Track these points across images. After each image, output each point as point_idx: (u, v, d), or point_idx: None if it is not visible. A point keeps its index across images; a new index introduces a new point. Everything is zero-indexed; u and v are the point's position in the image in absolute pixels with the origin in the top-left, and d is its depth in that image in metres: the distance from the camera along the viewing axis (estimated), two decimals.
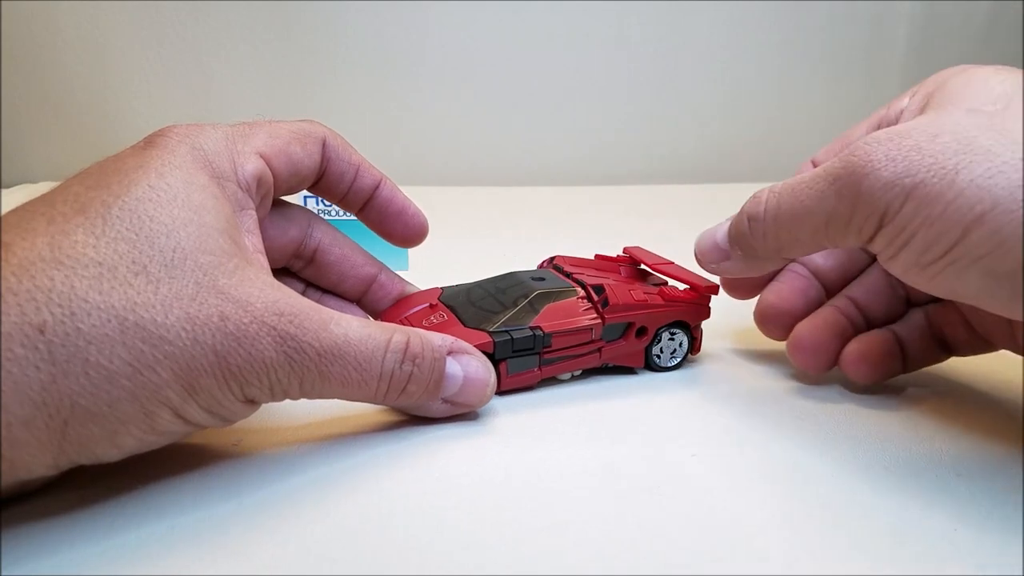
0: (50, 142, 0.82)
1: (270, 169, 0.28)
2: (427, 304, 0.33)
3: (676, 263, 0.36)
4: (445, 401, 0.28)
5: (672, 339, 0.34)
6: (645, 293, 0.33)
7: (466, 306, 0.32)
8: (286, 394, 0.24)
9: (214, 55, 0.80)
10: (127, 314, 0.21)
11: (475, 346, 0.29)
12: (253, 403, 0.24)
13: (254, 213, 0.27)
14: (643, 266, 0.37)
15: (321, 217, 0.33)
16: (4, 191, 0.74)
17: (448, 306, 0.33)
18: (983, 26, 0.92)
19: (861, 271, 0.34)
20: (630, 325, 0.33)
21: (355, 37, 0.81)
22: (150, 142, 0.25)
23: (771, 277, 0.35)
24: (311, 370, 0.24)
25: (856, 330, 0.32)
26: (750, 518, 0.23)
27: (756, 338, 0.35)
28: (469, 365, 0.28)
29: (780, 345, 0.34)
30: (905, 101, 0.30)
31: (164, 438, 0.23)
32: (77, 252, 0.21)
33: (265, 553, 0.21)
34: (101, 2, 0.77)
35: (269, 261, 0.27)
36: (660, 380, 0.34)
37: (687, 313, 0.34)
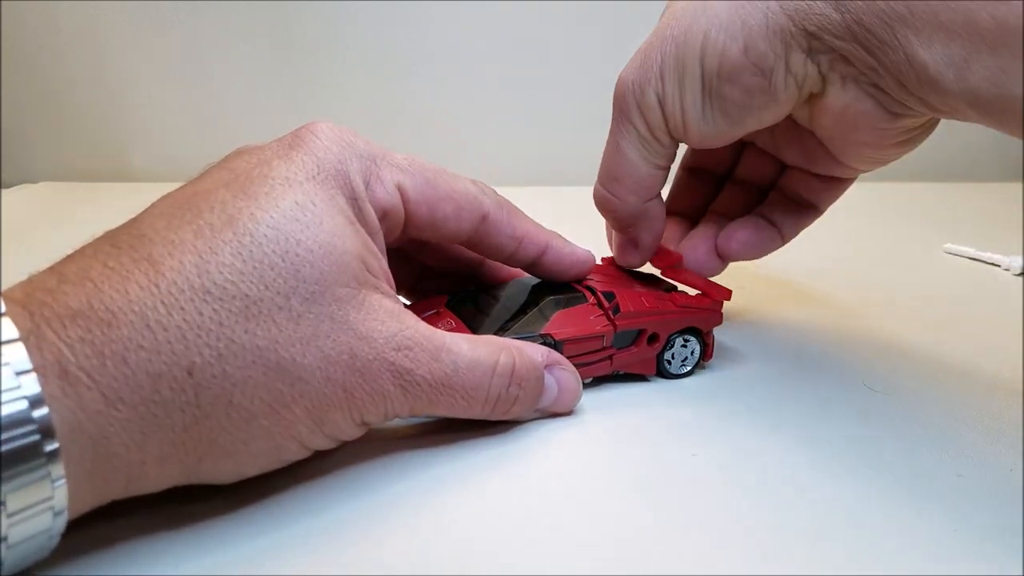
0: (50, 142, 0.83)
1: (405, 208, 0.27)
2: (434, 311, 0.32)
3: (685, 263, 0.36)
4: (536, 410, 0.29)
5: (685, 346, 0.34)
6: (656, 299, 0.33)
7: (475, 313, 0.32)
8: (397, 416, 0.25)
9: (214, 55, 0.81)
10: (270, 355, 0.21)
11: None
12: (366, 425, 0.24)
13: (382, 237, 0.26)
14: (654, 271, 0.36)
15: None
16: (4, 191, 0.75)
17: (456, 313, 0.32)
18: None
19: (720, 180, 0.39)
20: (641, 332, 0.32)
21: (355, 37, 0.81)
22: (296, 143, 0.25)
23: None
24: (422, 399, 0.25)
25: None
26: (749, 518, 0.23)
27: (759, 335, 0.36)
28: (562, 377, 0.29)
29: (784, 344, 0.36)
30: None
31: (283, 464, 0.23)
32: (225, 281, 0.20)
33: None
34: (101, 2, 0.78)
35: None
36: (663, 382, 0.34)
37: (699, 319, 0.33)
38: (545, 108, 0.86)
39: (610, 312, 0.32)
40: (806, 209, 0.36)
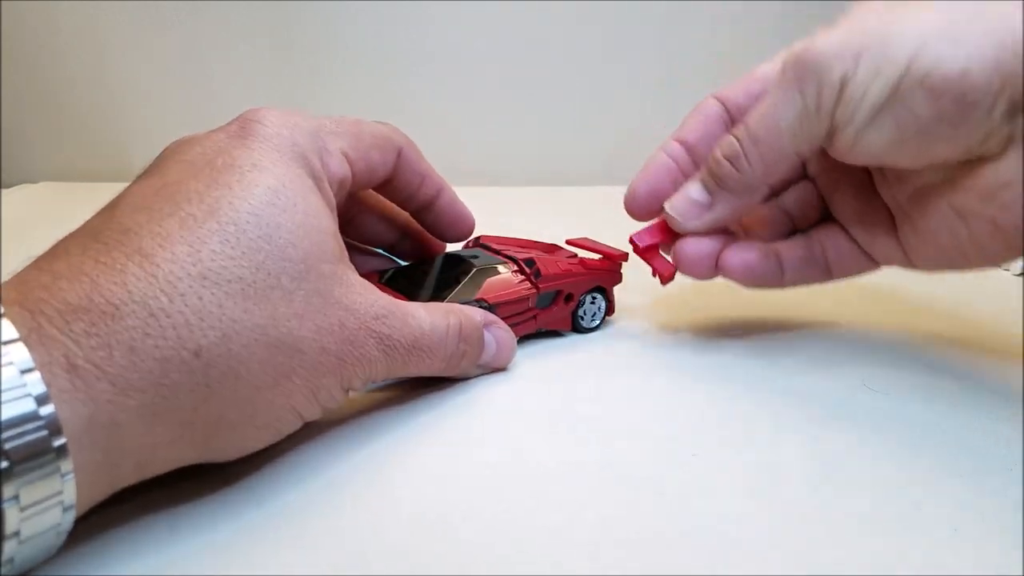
0: (50, 142, 0.82)
1: (351, 173, 0.29)
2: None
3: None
4: (479, 366, 0.32)
5: (593, 303, 0.38)
6: (568, 264, 0.38)
7: (408, 286, 0.35)
8: (375, 380, 0.26)
9: (214, 55, 0.81)
10: (270, 331, 0.22)
11: None
12: (349, 392, 0.26)
13: (336, 211, 0.27)
14: (564, 242, 0.41)
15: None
16: (4, 191, 0.74)
17: (392, 288, 0.35)
18: None
19: None
20: (559, 292, 0.37)
21: (355, 37, 0.81)
22: (247, 131, 0.25)
23: (723, 246, 0.34)
24: (399, 361, 0.27)
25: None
26: (747, 518, 0.23)
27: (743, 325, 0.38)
28: (499, 335, 0.32)
29: (774, 335, 0.37)
30: (767, 67, 0.34)
31: (281, 436, 0.24)
32: (219, 266, 0.21)
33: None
34: (101, 2, 0.77)
35: None
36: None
37: (604, 279, 0.38)
38: (545, 108, 0.86)
39: (532, 276, 0.36)
40: (819, 270, 0.34)
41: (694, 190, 0.33)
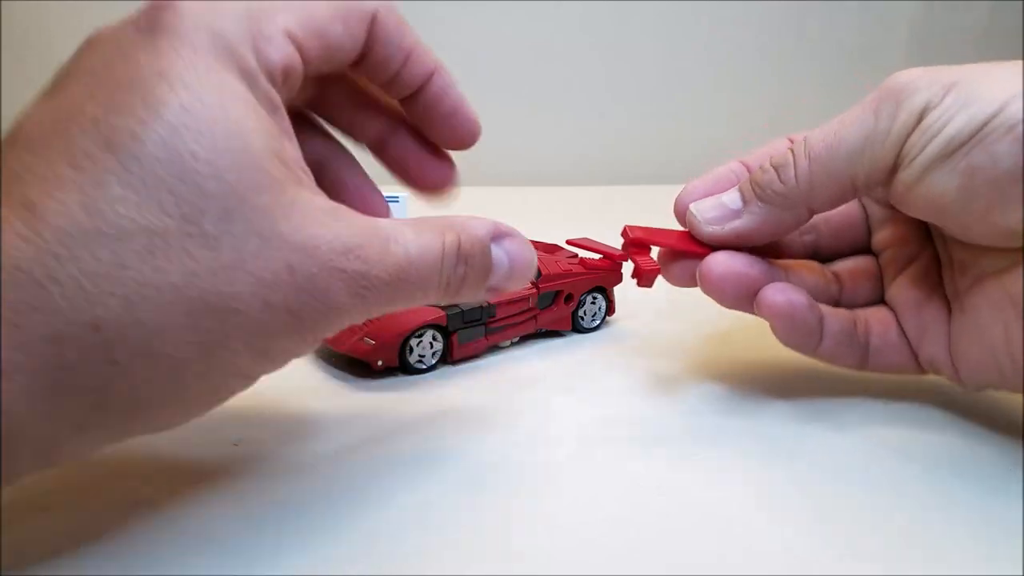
0: None
1: (300, 55, 0.22)
2: None
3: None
4: (489, 289, 0.26)
5: (594, 303, 0.39)
6: (568, 264, 0.38)
7: None
8: (349, 324, 0.22)
9: None
10: (189, 291, 0.18)
11: (428, 320, 0.33)
12: (318, 342, 0.22)
13: (284, 112, 0.22)
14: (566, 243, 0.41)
15: (340, 145, 0.28)
16: None
17: None
18: (983, 27, 0.93)
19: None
20: (559, 293, 0.37)
21: None
22: (155, 25, 0.20)
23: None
24: (380, 300, 0.21)
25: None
26: (746, 518, 0.23)
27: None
28: (512, 248, 0.26)
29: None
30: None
31: (230, 397, 0.21)
32: (119, 217, 0.17)
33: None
34: (101, 2, 0.78)
35: None
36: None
37: (605, 279, 0.38)
38: (545, 108, 0.86)
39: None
40: (857, 353, 0.30)
41: (728, 197, 0.30)
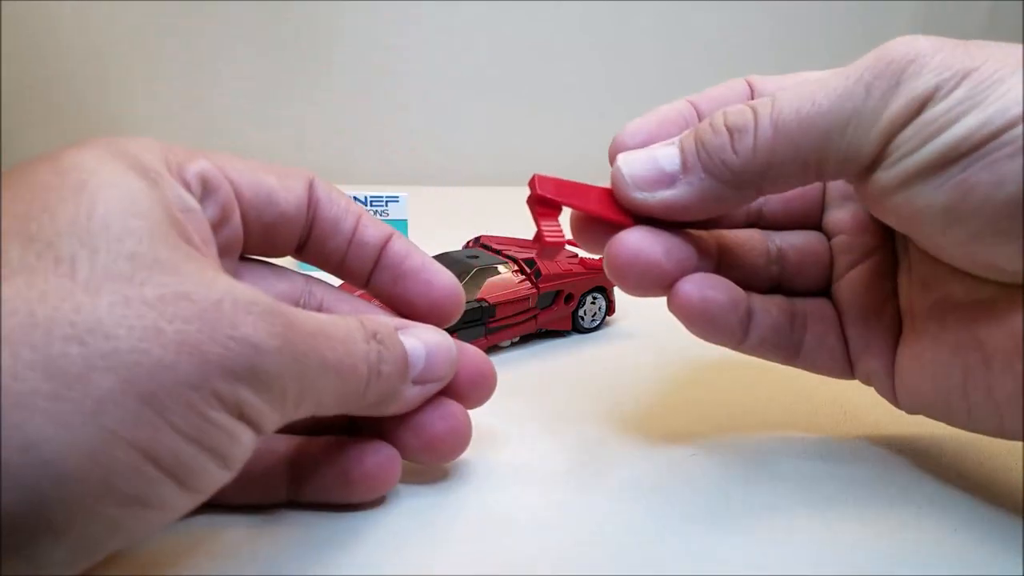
0: (50, 142, 0.81)
1: (231, 185, 0.22)
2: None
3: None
4: (415, 383, 0.23)
5: (594, 303, 0.39)
6: (568, 264, 0.38)
7: None
8: (283, 399, 0.18)
9: (214, 55, 0.81)
10: (39, 317, 0.15)
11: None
12: (251, 426, 0.17)
13: (203, 216, 0.20)
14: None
15: (321, 280, 0.26)
16: None
17: None
18: (983, 26, 0.93)
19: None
20: (559, 293, 0.37)
21: (354, 37, 0.82)
22: (65, 148, 0.19)
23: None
24: (307, 352, 0.18)
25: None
26: (746, 517, 0.23)
27: None
28: (424, 335, 0.23)
29: None
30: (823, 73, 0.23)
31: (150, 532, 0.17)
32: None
33: None
34: (101, 2, 0.78)
35: None
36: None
37: (605, 279, 0.38)
38: (546, 108, 0.86)
39: (533, 276, 0.36)
40: (787, 349, 0.26)
41: (665, 153, 0.24)
